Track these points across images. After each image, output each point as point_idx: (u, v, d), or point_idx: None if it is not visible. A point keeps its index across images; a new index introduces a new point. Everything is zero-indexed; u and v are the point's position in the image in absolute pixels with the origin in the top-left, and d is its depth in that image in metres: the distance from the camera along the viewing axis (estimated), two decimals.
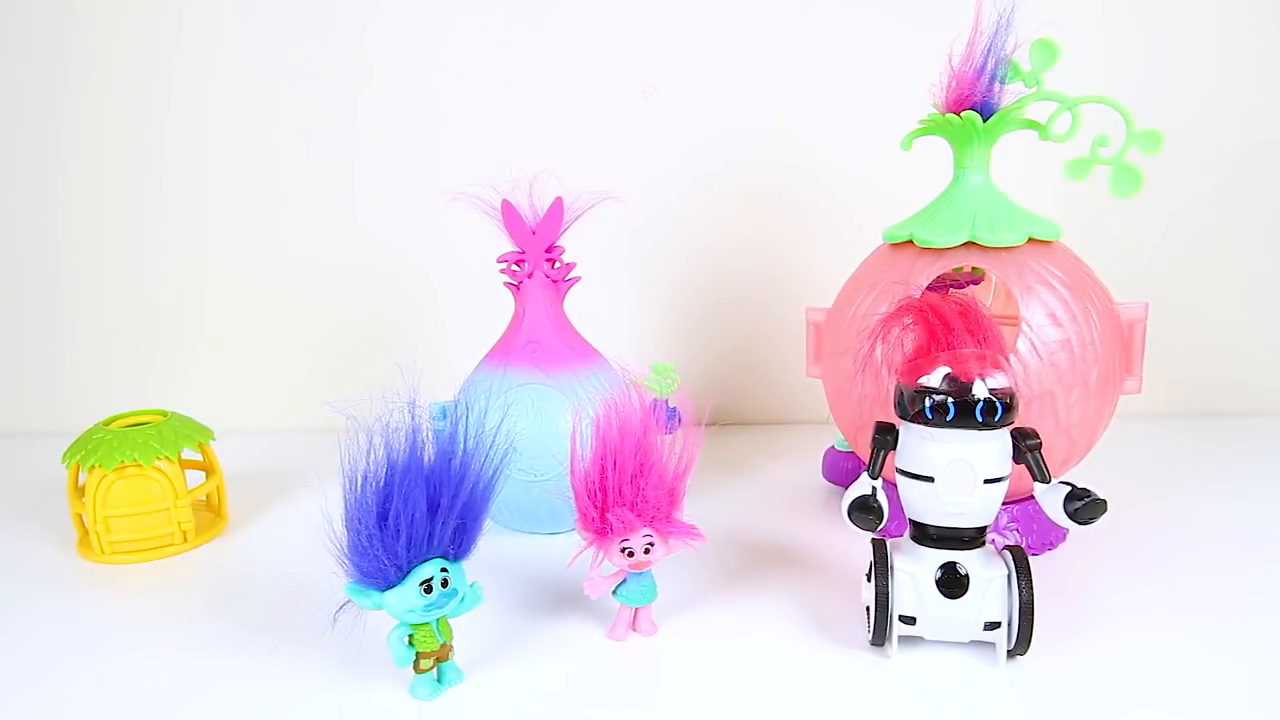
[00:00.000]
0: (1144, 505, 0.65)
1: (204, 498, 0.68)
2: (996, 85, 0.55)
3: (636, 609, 0.49)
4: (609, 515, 0.45)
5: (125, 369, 0.91)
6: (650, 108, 0.80)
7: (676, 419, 0.62)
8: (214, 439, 0.67)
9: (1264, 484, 0.70)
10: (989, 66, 0.55)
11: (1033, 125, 0.56)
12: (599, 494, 0.45)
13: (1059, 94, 0.54)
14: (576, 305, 0.63)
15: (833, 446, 0.72)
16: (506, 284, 0.60)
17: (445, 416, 0.61)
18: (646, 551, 0.47)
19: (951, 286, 0.65)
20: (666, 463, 0.46)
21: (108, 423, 0.65)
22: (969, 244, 0.55)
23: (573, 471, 0.46)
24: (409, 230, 0.86)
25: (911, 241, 0.58)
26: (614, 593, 0.49)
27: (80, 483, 0.64)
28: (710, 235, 0.84)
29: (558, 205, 0.57)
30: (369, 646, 0.46)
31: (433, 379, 0.46)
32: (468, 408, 0.43)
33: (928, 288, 0.59)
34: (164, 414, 0.66)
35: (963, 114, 0.55)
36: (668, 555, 0.47)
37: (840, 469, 0.71)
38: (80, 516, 0.64)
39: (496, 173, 0.58)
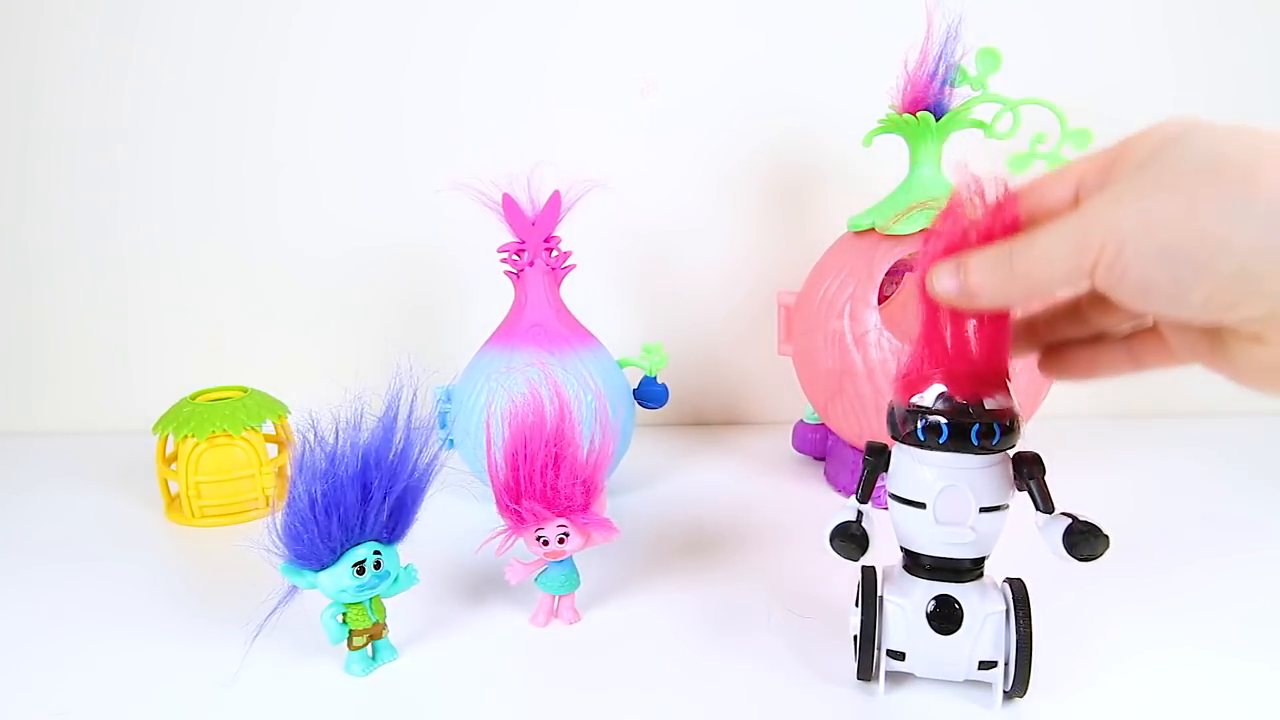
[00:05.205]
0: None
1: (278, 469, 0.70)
2: (947, 89, 0.61)
3: (558, 596, 0.49)
4: (520, 505, 0.45)
5: (122, 369, 0.91)
6: (640, 103, 0.83)
7: (665, 395, 0.67)
8: (289, 414, 0.70)
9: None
10: (940, 72, 0.60)
11: (979, 125, 0.62)
12: (511, 483, 0.45)
13: (1002, 96, 0.60)
14: (565, 291, 0.66)
15: (802, 420, 0.78)
16: (507, 272, 0.63)
17: (450, 399, 0.65)
18: (561, 541, 0.46)
19: (907, 271, 0.71)
20: (581, 456, 0.45)
21: (193, 397, 0.68)
22: (925, 231, 0.61)
23: (488, 459, 0.46)
24: (401, 223, 0.87)
25: (874, 229, 0.64)
26: (535, 580, 0.48)
27: (169, 452, 0.67)
28: (692, 223, 0.87)
29: (555, 198, 0.61)
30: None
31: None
32: (414, 396, 0.44)
33: (887, 273, 0.64)
34: (244, 389, 0.69)
35: (918, 114, 0.61)
36: (587, 547, 0.47)
37: (809, 440, 0.77)
38: (167, 482, 0.67)
39: (496, 166, 0.60)
